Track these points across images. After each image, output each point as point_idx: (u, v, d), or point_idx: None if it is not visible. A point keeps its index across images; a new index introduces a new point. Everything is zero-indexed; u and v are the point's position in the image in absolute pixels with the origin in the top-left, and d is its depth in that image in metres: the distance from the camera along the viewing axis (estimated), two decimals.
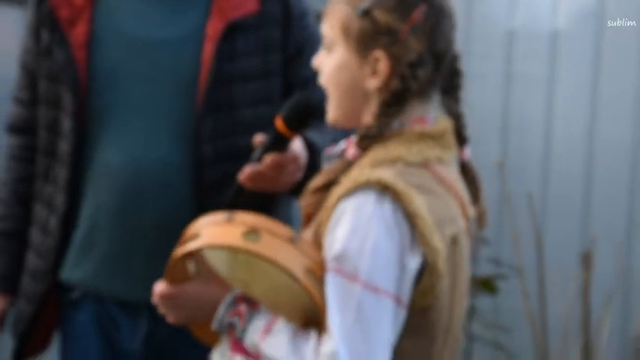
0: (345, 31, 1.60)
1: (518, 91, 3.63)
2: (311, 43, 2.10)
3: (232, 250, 1.55)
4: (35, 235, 2.15)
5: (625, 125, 3.57)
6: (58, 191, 2.09)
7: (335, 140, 2.04)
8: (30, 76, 2.13)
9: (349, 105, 1.62)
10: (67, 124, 2.06)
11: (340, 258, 1.52)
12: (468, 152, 1.68)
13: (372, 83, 1.59)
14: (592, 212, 3.60)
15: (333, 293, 1.51)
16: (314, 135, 1.97)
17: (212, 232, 1.56)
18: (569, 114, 3.63)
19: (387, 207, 1.51)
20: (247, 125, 2.03)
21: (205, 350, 2.09)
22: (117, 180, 2.03)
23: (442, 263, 1.53)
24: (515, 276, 3.27)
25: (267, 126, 1.94)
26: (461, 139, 1.67)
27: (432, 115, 1.62)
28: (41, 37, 2.09)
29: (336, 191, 1.55)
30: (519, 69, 3.63)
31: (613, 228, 3.53)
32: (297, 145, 1.87)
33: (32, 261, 2.15)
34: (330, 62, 1.62)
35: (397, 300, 1.52)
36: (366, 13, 1.58)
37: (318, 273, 1.53)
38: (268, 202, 2.02)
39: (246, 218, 1.56)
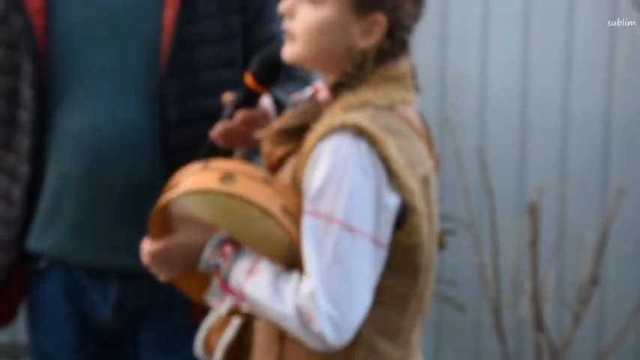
0: None
1: (453, 49, 3.70)
2: (270, 3, 2.11)
3: (210, 194, 1.58)
4: None
5: (555, 78, 3.67)
6: (20, 160, 2.07)
7: None
8: None
9: (328, 56, 1.64)
10: (27, 92, 2.03)
11: (317, 199, 1.54)
12: (418, 101, 1.73)
13: (365, 43, 1.62)
14: (528, 164, 3.70)
15: (310, 234, 1.54)
16: (279, 92, 2.00)
17: (190, 180, 1.59)
18: (503, 70, 3.71)
19: (363, 149, 1.55)
20: (210, 88, 2.03)
21: (176, 314, 2.11)
22: (82, 146, 2.02)
23: (419, 203, 1.58)
24: (462, 230, 3.35)
25: (229, 89, 1.96)
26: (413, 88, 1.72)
27: (390, 62, 1.66)
28: None
29: (311, 136, 1.58)
30: (453, 28, 3.70)
31: (550, 179, 3.63)
32: (266, 102, 1.89)
33: None
34: (316, 14, 1.62)
35: (375, 240, 1.55)
36: None
37: (294, 212, 1.57)
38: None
39: (221, 164, 1.59)
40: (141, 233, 2.02)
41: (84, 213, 2.05)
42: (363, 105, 1.59)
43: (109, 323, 2.12)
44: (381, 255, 1.57)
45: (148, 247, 1.65)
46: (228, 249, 1.59)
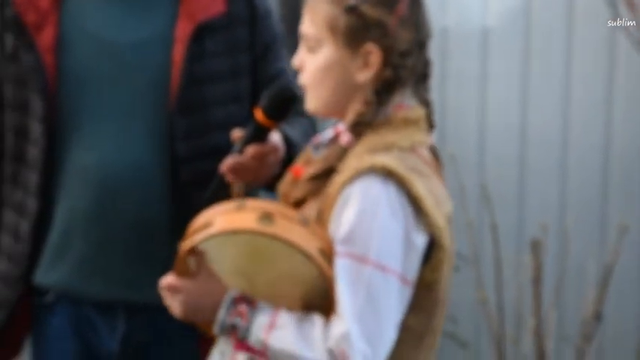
0: (333, 28, 1.64)
1: (453, 86, 3.73)
2: (276, 41, 2.14)
3: (248, 234, 1.57)
4: (5, 241, 2.13)
5: (553, 115, 3.69)
6: (29, 196, 2.08)
7: (306, 133, 2.10)
8: None
9: (337, 98, 1.67)
10: (36, 128, 2.05)
11: (349, 241, 1.56)
12: (432, 138, 1.76)
13: (364, 75, 1.65)
14: (528, 200, 3.71)
15: (344, 275, 1.56)
16: (287, 129, 2.02)
17: (226, 219, 1.58)
18: (502, 107, 3.74)
19: (392, 190, 1.57)
20: (218, 124, 2.05)
21: (183, 347, 2.12)
22: (91, 181, 2.03)
23: (447, 239, 1.61)
24: (464, 266, 3.35)
25: (237, 125, 1.98)
26: (430, 125, 1.74)
27: (407, 101, 1.69)
28: (5, 42, 2.07)
29: (338, 179, 1.60)
30: (453, 65, 3.73)
31: (550, 214, 3.65)
32: (275, 137, 1.91)
33: (3, 266, 2.13)
34: (316, 61, 1.66)
35: (403, 279, 1.58)
36: (353, 10, 1.63)
37: (328, 254, 1.57)
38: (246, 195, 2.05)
39: (257, 204, 1.59)
40: (148, 268, 2.05)
41: (92, 247, 2.06)
42: (387, 147, 1.61)
43: (116, 357, 2.12)
44: (407, 293, 1.60)
45: (168, 279, 1.65)
46: (243, 307, 1.59)
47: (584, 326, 3.19)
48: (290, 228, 1.56)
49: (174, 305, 1.66)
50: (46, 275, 2.10)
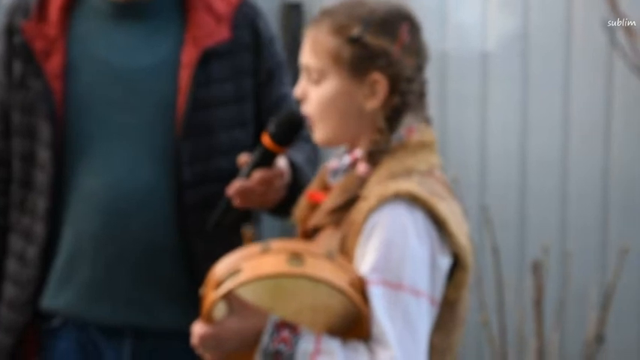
0: (337, 60, 1.65)
1: (453, 110, 3.76)
2: (280, 67, 2.17)
3: (280, 277, 1.56)
4: (12, 266, 2.14)
5: (553, 138, 3.72)
6: (36, 221, 2.09)
7: (309, 158, 2.12)
8: (1, 108, 2.13)
9: (346, 128, 1.69)
10: (44, 154, 2.07)
11: (381, 269, 1.58)
12: None
13: (372, 104, 1.67)
14: (529, 223, 3.73)
15: (380, 303, 1.57)
16: (292, 153, 2.04)
17: (255, 264, 1.57)
18: (502, 130, 3.76)
19: (418, 216, 1.60)
20: (224, 148, 2.07)
21: None
22: (98, 205, 2.04)
23: (470, 259, 1.64)
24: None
25: (242, 149, 2.00)
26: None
27: (416, 123, 1.71)
28: (13, 68, 2.09)
29: (363, 206, 1.61)
30: (453, 89, 3.76)
31: (551, 237, 3.66)
32: (281, 162, 1.93)
33: (10, 291, 2.14)
34: (321, 92, 1.67)
35: (431, 300, 1.61)
36: (356, 40, 1.64)
37: (357, 285, 1.58)
38: (251, 220, 2.07)
39: (281, 245, 1.59)
40: (155, 292, 2.06)
41: (99, 271, 2.07)
42: (408, 171, 1.64)
43: None
44: (434, 313, 1.62)
45: (199, 330, 1.62)
46: (286, 333, 1.58)
47: (586, 348, 3.20)
48: (319, 265, 1.56)
49: (210, 351, 1.63)
50: (53, 299, 2.11)
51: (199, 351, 1.66)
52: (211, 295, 1.59)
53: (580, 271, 3.59)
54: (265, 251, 1.58)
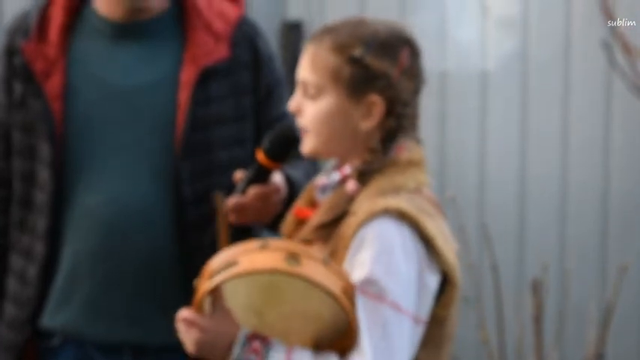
0: (336, 78, 1.67)
1: (452, 129, 3.77)
2: (279, 84, 2.18)
3: (275, 274, 1.58)
4: (12, 285, 2.15)
5: (552, 156, 3.73)
6: (36, 241, 2.10)
7: (308, 173, 2.13)
8: (1, 128, 2.14)
9: (337, 144, 1.70)
10: (44, 174, 2.07)
11: (367, 281, 1.60)
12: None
13: (367, 124, 1.68)
14: (528, 240, 3.74)
15: (363, 312, 1.59)
16: (289, 169, 2.05)
17: (251, 259, 1.59)
18: (501, 149, 3.78)
19: (405, 232, 1.62)
20: (223, 167, 2.08)
21: None
22: (97, 223, 2.05)
23: (458, 276, 1.66)
24: (465, 307, 3.37)
25: (241, 167, 2.01)
26: None
27: (406, 141, 1.72)
28: (13, 89, 2.10)
29: (353, 221, 1.63)
30: (452, 108, 3.78)
31: (550, 254, 3.67)
32: (277, 178, 1.95)
33: (9, 310, 2.15)
34: (317, 108, 1.69)
35: (416, 319, 1.62)
36: (358, 61, 1.66)
37: (350, 292, 1.61)
38: (248, 235, 2.08)
39: (280, 244, 1.61)
40: (154, 309, 2.07)
41: (98, 289, 2.08)
42: (396, 189, 1.65)
43: None
44: (419, 332, 1.64)
45: (186, 314, 1.65)
46: (257, 344, 1.61)
47: None
48: (315, 268, 1.58)
49: (189, 340, 1.66)
50: (52, 318, 2.11)
51: (181, 336, 1.67)
52: (204, 285, 1.61)
53: (579, 289, 3.59)
54: (264, 248, 1.60)
